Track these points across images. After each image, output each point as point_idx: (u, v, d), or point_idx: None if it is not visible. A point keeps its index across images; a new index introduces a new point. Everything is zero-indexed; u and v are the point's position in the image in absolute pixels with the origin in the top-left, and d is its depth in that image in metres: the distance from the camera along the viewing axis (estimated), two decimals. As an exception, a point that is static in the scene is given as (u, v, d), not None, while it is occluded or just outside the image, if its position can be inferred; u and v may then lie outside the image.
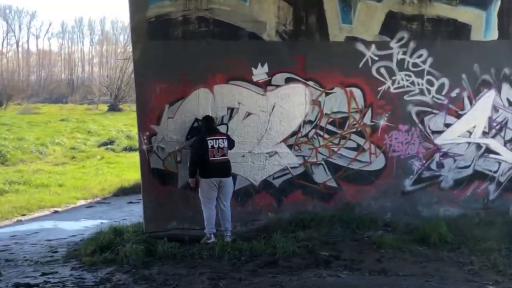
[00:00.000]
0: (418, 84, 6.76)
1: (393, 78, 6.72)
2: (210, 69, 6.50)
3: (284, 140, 6.71)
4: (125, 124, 24.18)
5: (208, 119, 6.38)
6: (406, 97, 6.76)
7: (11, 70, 48.55)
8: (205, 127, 6.32)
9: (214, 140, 6.14)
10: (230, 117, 6.62)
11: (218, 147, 6.14)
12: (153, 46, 6.46)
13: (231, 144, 6.38)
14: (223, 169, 6.22)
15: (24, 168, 13.91)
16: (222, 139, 6.21)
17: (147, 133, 6.51)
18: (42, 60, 54.53)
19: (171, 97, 6.49)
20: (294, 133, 6.72)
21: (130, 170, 13.15)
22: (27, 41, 60.96)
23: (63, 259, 6.02)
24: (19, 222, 8.76)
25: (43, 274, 5.42)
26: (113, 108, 34.58)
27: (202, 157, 6.13)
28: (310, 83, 6.66)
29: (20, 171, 13.22)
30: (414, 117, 6.79)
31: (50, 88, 48.39)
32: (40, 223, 8.56)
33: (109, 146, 18.18)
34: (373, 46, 6.65)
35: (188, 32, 6.48)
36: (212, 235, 6.20)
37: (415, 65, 6.73)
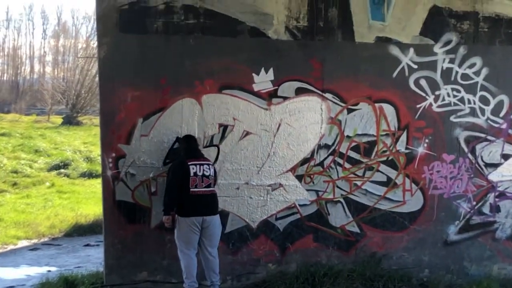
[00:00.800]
0: (469, 102, 6.76)
1: (437, 93, 6.72)
2: (198, 73, 6.50)
3: (292, 169, 6.67)
4: (85, 142, 24.08)
5: (189, 140, 6.34)
6: (452, 118, 6.75)
7: None
8: (186, 150, 6.26)
9: (198, 166, 6.07)
10: (223, 136, 6.59)
11: (203, 175, 6.06)
12: (125, 41, 6.46)
13: (216, 178, 6.32)
14: (208, 204, 6.13)
15: None
16: (208, 165, 6.16)
17: (113, 155, 6.45)
18: (-24, 54, 54.31)
19: (146, 109, 6.46)
20: (305, 161, 6.69)
21: (88, 203, 13.01)
22: (-44, 29, 60.15)
23: (-4, 318, 5.91)
24: None
25: None
26: (70, 121, 34.32)
27: (181, 188, 6.03)
28: (328, 95, 6.66)
29: None
30: (463, 145, 6.78)
31: (-14, 92, 48.12)
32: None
33: (62, 170, 17.96)
34: (411, 50, 6.67)
35: (172, 24, 6.50)
36: (194, 292, 6.08)
37: (465, 77, 6.75)
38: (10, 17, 62.93)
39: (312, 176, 6.70)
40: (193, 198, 6.01)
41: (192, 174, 6.00)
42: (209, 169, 6.11)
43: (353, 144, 6.71)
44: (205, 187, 6.05)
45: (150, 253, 6.52)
